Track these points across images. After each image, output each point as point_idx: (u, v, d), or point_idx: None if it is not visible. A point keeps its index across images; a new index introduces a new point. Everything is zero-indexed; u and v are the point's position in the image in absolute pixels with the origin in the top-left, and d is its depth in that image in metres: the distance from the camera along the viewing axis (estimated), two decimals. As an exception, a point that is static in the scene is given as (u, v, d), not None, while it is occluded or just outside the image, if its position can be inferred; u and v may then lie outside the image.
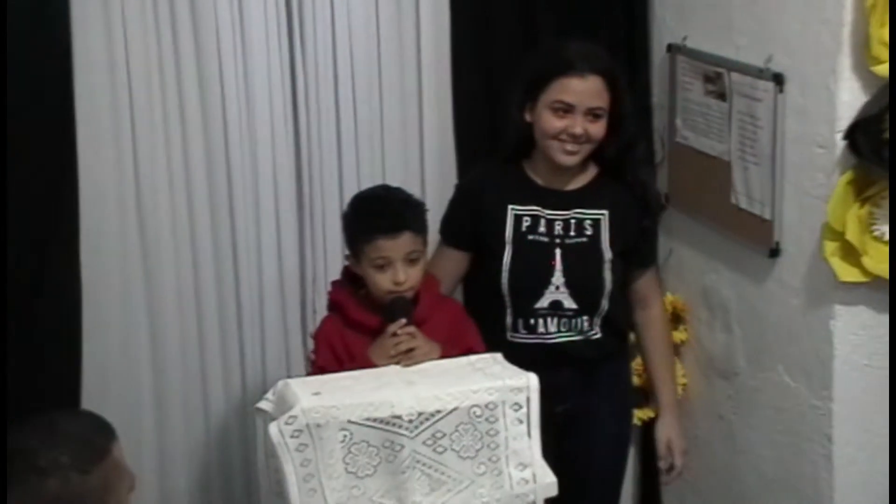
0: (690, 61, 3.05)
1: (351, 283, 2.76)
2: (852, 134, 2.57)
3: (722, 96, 2.93)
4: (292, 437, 2.40)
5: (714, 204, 3.00)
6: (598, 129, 2.79)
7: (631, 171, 2.88)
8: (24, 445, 2.02)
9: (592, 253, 2.85)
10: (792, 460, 2.87)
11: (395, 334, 2.63)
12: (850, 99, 2.57)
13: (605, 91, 2.77)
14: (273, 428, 2.40)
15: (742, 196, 2.90)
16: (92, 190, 2.88)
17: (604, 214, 2.86)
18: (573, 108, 2.75)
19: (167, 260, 3.00)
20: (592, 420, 2.94)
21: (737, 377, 3.04)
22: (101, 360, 2.95)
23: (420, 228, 2.71)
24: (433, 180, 3.17)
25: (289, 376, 2.79)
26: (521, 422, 2.51)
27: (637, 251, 2.94)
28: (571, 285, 2.83)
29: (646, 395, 3.15)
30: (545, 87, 2.77)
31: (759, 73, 2.78)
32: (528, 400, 2.51)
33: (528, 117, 2.83)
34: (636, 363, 3.12)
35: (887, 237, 2.60)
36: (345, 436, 2.43)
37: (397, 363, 2.61)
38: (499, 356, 2.64)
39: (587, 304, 2.86)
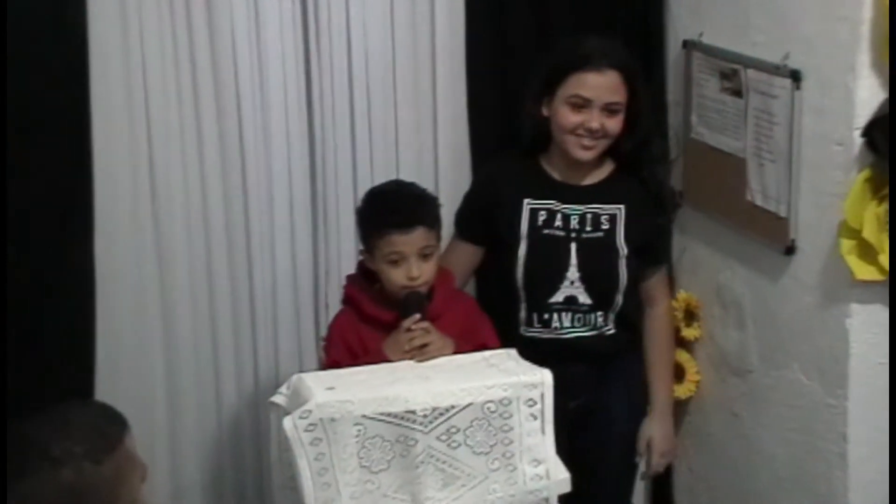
0: (706, 58, 3.03)
1: (365, 278, 2.76)
2: (870, 131, 2.55)
3: (738, 93, 2.91)
4: (306, 431, 2.39)
5: (729, 201, 2.99)
6: (614, 124, 2.78)
7: (647, 167, 2.88)
8: (37, 436, 2.01)
9: (608, 248, 2.85)
10: (806, 459, 2.86)
11: (409, 329, 2.63)
12: (868, 96, 2.55)
13: (623, 86, 2.77)
14: (287, 422, 2.40)
15: (757, 193, 2.89)
16: (107, 187, 2.88)
17: (620, 209, 2.86)
18: (590, 102, 2.75)
19: (181, 256, 3.00)
20: (605, 415, 2.94)
21: (751, 375, 3.03)
22: (114, 355, 2.95)
23: (433, 223, 2.71)
24: (447, 178, 3.15)
25: (301, 371, 2.80)
26: (535, 418, 2.51)
27: (650, 249, 2.94)
28: (586, 280, 2.83)
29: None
30: (562, 81, 2.77)
31: (776, 70, 2.76)
32: (542, 396, 2.51)
33: (545, 112, 2.83)
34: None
35: (904, 236, 2.58)
36: (359, 430, 2.43)
37: (411, 358, 2.61)
38: (513, 352, 2.64)
39: (602, 299, 2.85)
